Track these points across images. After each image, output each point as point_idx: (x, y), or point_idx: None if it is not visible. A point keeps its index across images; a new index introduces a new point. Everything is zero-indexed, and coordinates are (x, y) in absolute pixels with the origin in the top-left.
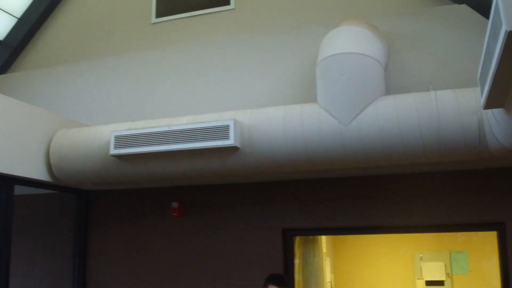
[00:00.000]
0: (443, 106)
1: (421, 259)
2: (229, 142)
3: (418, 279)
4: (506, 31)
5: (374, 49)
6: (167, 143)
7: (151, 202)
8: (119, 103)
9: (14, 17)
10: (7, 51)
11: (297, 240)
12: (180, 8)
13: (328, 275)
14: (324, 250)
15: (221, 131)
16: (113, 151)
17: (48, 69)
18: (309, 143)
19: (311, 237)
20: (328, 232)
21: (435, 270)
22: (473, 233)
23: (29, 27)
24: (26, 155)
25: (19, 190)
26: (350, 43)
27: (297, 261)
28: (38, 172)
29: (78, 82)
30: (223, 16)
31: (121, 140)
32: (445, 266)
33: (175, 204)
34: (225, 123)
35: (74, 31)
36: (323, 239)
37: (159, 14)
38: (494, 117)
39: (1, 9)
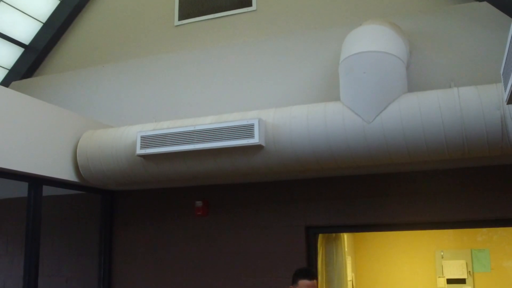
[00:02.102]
0: (466, 102)
1: (442, 257)
2: (254, 140)
3: (439, 277)
4: None
5: (397, 47)
6: (192, 142)
7: (175, 202)
8: (143, 104)
9: (39, 22)
10: (33, 55)
11: (320, 238)
12: (202, 10)
13: (349, 274)
14: (346, 248)
15: (246, 130)
16: (139, 151)
17: (73, 72)
18: (332, 141)
19: (333, 235)
20: (351, 230)
21: (456, 268)
22: (493, 231)
23: (54, 32)
24: (54, 156)
25: (45, 191)
26: (373, 41)
27: (320, 259)
28: (65, 172)
29: (103, 85)
30: (245, 17)
31: (147, 140)
32: (466, 264)
33: (199, 203)
34: (250, 122)
35: (99, 34)
36: (345, 237)
37: (182, 16)
38: None
39: (26, 14)
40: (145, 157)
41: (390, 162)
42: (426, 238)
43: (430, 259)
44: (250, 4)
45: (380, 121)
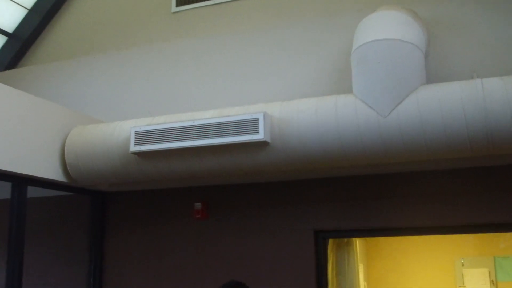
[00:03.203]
0: (490, 94)
1: (462, 265)
2: (259, 136)
3: (459, 287)
4: None
5: (414, 35)
6: (191, 138)
7: (172, 204)
8: (138, 97)
9: (24, 8)
10: (17, 44)
11: (330, 243)
12: None
13: (362, 283)
14: (358, 255)
15: (250, 125)
16: (134, 148)
17: (61, 62)
18: (344, 137)
19: (345, 240)
20: (365, 234)
21: (478, 277)
22: None
23: (40, 19)
24: (40, 154)
25: (30, 192)
26: (388, 28)
27: (330, 267)
28: (52, 171)
29: (93, 76)
30: (248, 3)
31: (141, 136)
32: (489, 272)
33: (198, 205)
34: (254, 116)
35: (88, 22)
36: (358, 243)
37: (180, 2)
38: None
39: (10, 0)
40: (139, 154)
41: (407, 160)
42: (445, 244)
43: (449, 267)
44: None
45: (397, 115)
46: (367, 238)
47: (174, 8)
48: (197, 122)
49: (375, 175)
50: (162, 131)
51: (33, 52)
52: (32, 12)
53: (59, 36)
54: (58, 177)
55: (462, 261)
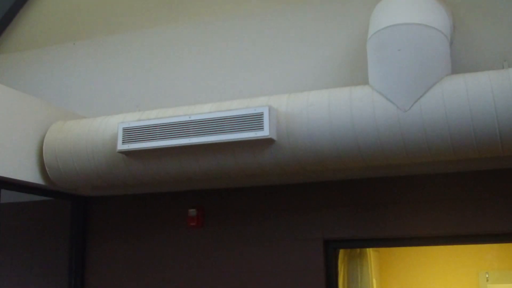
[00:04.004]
0: None
1: (487, 280)
2: (263, 133)
3: None
4: None
5: (438, 19)
6: (187, 135)
7: (164, 210)
8: (125, 90)
9: None
10: None
11: (342, 254)
12: None
13: None
14: (372, 267)
15: (253, 121)
16: (121, 146)
17: (37, 50)
18: (360, 133)
19: (358, 250)
20: (379, 244)
21: None
22: None
23: (12, 1)
24: (14, 153)
25: (3, 197)
26: (409, 12)
27: (341, 280)
28: (28, 173)
29: (75, 66)
30: None
31: (130, 133)
32: None
33: (193, 212)
34: (258, 111)
35: (69, 4)
36: (371, 254)
37: None
38: None
39: None
40: (128, 153)
41: (430, 159)
42: (468, 256)
43: (472, 282)
44: None
45: (419, 109)
46: (381, 249)
47: None
48: (193, 117)
49: (393, 177)
50: (153, 127)
51: (5, 39)
52: None
53: (35, 20)
54: (35, 179)
55: (487, 275)
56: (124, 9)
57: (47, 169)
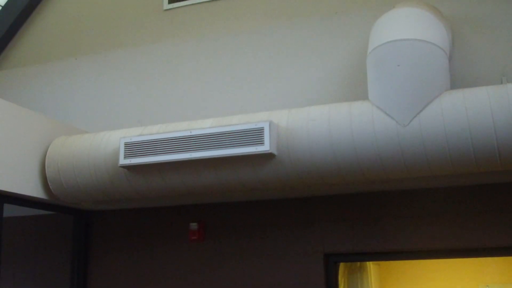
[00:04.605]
0: None
1: None
2: (264, 148)
3: None
4: None
5: (437, 34)
6: (188, 150)
7: (164, 224)
8: (127, 105)
9: None
10: None
11: (342, 268)
12: None
13: None
14: (372, 281)
15: (254, 135)
16: (123, 161)
17: (39, 66)
18: (360, 148)
19: (358, 264)
20: (380, 258)
21: None
22: None
23: (15, 16)
24: (17, 168)
25: (6, 211)
26: (408, 27)
27: None
28: (31, 187)
29: (76, 81)
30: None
31: (132, 148)
32: None
33: (194, 226)
34: (259, 126)
35: (71, 20)
36: (371, 267)
37: None
38: None
39: None
40: (129, 168)
41: (429, 173)
42: (468, 270)
43: None
44: None
45: (418, 124)
46: (382, 262)
47: (167, 5)
48: (194, 132)
49: (393, 191)
50: (155, 142)
51: (7, 54)
52: (5, 10)
53: (37, 36)
54: (37, 193)
55: None
56: (125, 24)
57: (49, 183)
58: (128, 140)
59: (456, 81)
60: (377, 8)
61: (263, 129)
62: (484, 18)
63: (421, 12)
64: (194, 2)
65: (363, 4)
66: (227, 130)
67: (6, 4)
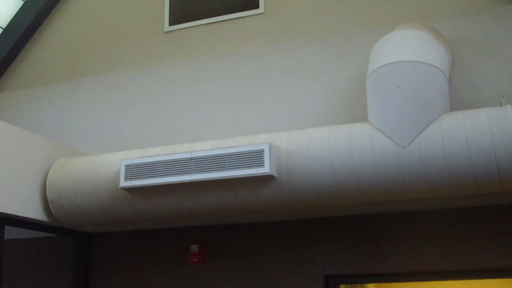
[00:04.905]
0: None
1: None
2: (264, 170)
3: None
4: None
5: (437, 56)
6: (189, 172)
7: (165, 246)
8: (127, 127)
9: None
10: None
11: None
12: (198, 13)
13: None
14: None
15: (254, 158)
16: (124, 183)
17: (40, 88)
18: (359, 170)
19: (358, 286)
20: (380, 279)
21: None
22: None
23: (16, 39)
24: (18, 190)
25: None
26: (408, 49)
27: None
28: (32, 209)
29: (77, 103)
30: (250, 21)
31: (132, 170)
32: None
33: (194, 248)
34: (259, 148)
35: (71, 42)
36: None
37: (173, 20)
38: None
39: None
40: (130, 190)
41: (429, 195)
42: None
43: None
44: (256, 6)
45: (418, 146)
46: (382, 284)
47: (167, 27)
48: (194, 154)
49: (393, 213)
50: (155, 164)
51: (8, 76)
52: (7, 32)
53: (39, 58)
54: (38, 215)
55: None
56: (126, 46)
57: (50, 205)
58: (128, 162)
59: (456, 103)
60: (377, 30)
61: (263, 151)
62: (484, 40)
63: (421, 34)
64: (195, 25)
65: (363, 26)
66: (228, 152)
67: (8, 26)
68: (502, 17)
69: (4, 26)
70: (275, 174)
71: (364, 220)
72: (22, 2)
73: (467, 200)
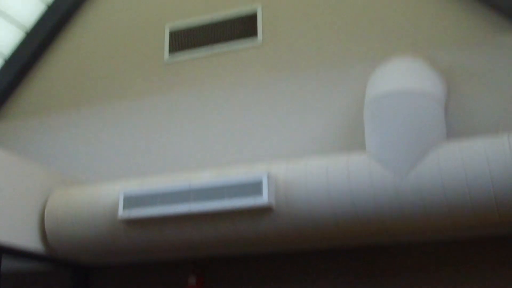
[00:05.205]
0: None
1: None
2: (262, 200)
3: None
4: None
5: (432, 85)
6: (187, 202)
7: (163, 278)
8: (126, 156)
9: (0, 58)
10: None
11: None
12: (197, 43)
13: None
14: None
15: (252, 188)
16: (122, 213)
17: (41, 117)
18: (358, 201)
19: None
20: None
21: None
22: None
23: (18, 68)
24: (16, 219)
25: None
26: (404, 79)
27: None
28: (29, 239)
29: (77, 133)
30: (249, 51)
31: (131, 200)
32: None
33: (192, 280)
34: (257, 178)
35: (72, 72)
36: None
37: (173, 50)
38: None
39: None
40: (128, 221)
41: (428, 225)
42: None
43: None
44: (254, 35)
45: (415, 176)
46: None
47: (167, 57)
48: (193, 185)
49: (391, 245)
50: (154, 194)
51: (10, 105)
52: (9, 62)
53: (40, 87)
54: (35, 246)
55: None
56: (126, 77)
57: (47, 235)
58: (127, 192)
59: (453, 131)
60: (374, 60)
61: (261, 181)
62: (478, 69)
63: (416, 65)
64: (194, 55)
65: (360, 56)
66: (225, 182)
67: (10, 57)
68: (494, 47)
69: (6, 57)
70: (273, 204)
71: (365, 252)
72: (24, 34)
73: (467, 231)
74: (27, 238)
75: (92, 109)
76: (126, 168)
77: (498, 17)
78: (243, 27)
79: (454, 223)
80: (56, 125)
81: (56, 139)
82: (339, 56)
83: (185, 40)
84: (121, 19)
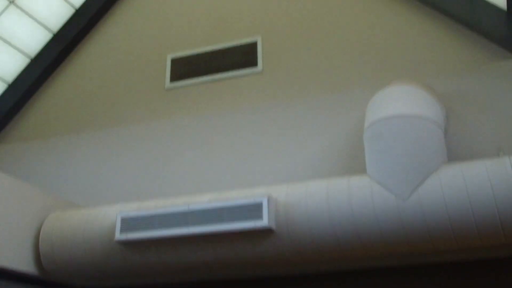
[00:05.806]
0: None
1: None
2: (262, 223)
3: None
4: None
5: (431, 110)
6: (186, 225)
7: None
8: (125, 180)
9: (4, 82)
10: None
11: None
12: (198, 71)
13: None
14: None
15: (252, 210)
16: (119, 236)
17: (41, 141)
18: (359, 223)
19: None
20: None
21: None
22: None
23: (21, 93)
24: (10, 241)
25: None
26: (403, 104)
27: None
28: (22, 262)
29: (76, 157)
30: (249, 79)
31: (128, 223)
32: None
33: None
34: (257, 201)
35: (74, 97)
36: None
37: (174, 78)
38: None
39: None
40: (126, 244)
41: (431, 248)
42: None
43: None
44: (255, 64)
45: (418, 198)
46: None
47: (168, 84)
48: (192, 207)
49: (395, 267)
50: (152, 217)
51: (12, 129)
52: (12, 87)
53: (41, 112)
54: (28, 269)
55: None
56: (127, 102)
57: (42, 258)
58: (124, 214)
59: (453, 154)
60: (373, 87)
61: (261, 204)
62: (476, 95)
63: (415, 90)
64: (195, 82)
65: (360, 81)
66: (225, 205)
67: (13, 82)
68: (492, 73)
69: (10, 82)
70: (273, 227)
71: (365, 276)
72: (28, 60)
73: (472, 252)
74: (21, 261)
75: (93, 134)
76: (127, 194)
77: (492, 44)
78: (243, 56)
79: (458, 245)
80: (56, 149)
81: (56, 163)
82: (338, 82)
83: (186, 68)
84: (124, 47)
